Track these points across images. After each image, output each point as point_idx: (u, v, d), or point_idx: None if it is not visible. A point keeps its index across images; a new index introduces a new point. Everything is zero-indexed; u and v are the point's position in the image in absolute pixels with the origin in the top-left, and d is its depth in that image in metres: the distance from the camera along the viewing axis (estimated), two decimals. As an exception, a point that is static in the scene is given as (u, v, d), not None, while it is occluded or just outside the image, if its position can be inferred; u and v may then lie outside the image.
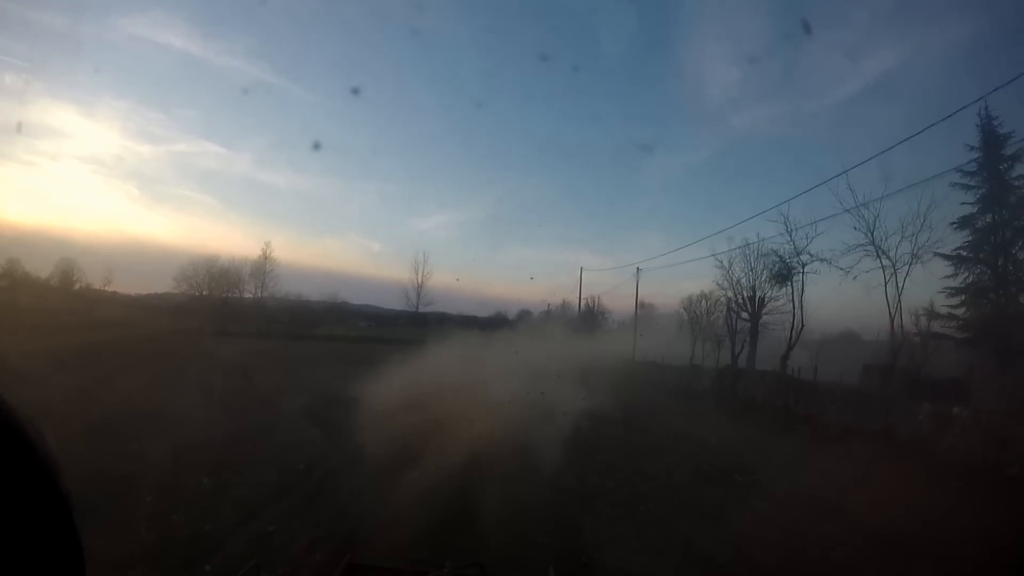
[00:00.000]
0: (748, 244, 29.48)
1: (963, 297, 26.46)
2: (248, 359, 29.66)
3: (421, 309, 61.13)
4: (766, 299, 29.16)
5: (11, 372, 15.41)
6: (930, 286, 27.52)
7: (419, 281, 60.98)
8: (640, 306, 45.31)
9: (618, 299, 62.85)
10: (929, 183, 26.66)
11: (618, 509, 8.92)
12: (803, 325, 25.65)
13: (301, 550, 6.48)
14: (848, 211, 23.78)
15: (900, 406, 16.97)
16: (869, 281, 23.75)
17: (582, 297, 51.75)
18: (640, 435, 15.70)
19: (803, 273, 26.17)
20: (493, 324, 46.55)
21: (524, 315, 55.83)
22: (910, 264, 22.83)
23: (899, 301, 22.88)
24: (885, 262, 23.06)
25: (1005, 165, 25.20)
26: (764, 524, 8.38)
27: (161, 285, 66.22)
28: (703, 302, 36.81)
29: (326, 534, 6.95)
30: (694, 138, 73.45)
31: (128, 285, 63.81)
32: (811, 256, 25.73)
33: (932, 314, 26.00)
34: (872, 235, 23.38)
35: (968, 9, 40.72)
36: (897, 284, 22.93)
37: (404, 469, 9.74)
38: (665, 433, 16.37)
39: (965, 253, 26.45)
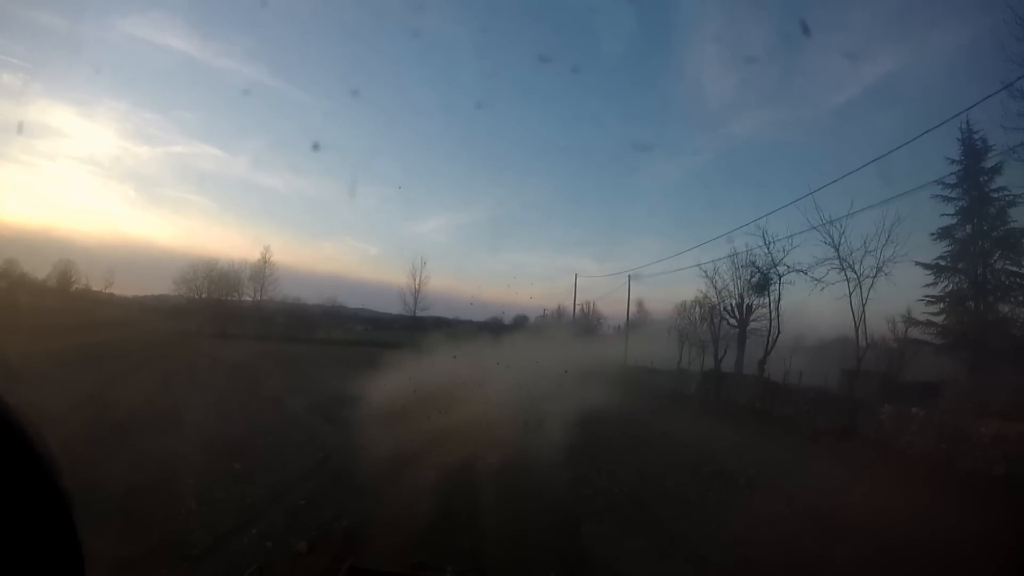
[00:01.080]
0: (736, 253, 30.78)
1: (942, 305, 27.60)
2: (253, 361, 30.54)
3: (418, 313, 61.76)
4: (753, 306, 30.45)
5: (28, 374, 15.84)
6: (900, 295, 28.94)
7: (416, 285, 61.68)
8: (638, 311, 46.43)
9: (614, 304, 64.00)
10: (895, 200, 28.13)
11: (599, 491, 10.07)
12: (779, 332, 27.45)
13: (329, 518, 7.66)
14: (815, 228, 25.35)
15: (867, 407, 18.35)
16: (835, 292, 25.14)
17: (578, 302, 52.82)
18: (625, 433, 16.84)
19: (779, 284, 28.00)
20: (490, 328, 47.37)
21: (520, 320, 56.69)
22: (874, 276, 24.14)
23: (863, 311, 24.23)
24: (850, 275, 24.43)
25: (985, 177, 26.33)
26: (721, 504, 9.69)
27: (159, 286, 66.73)
28: (697, 308, 37.90)
29: (350, 508, 8.11)
30: (694, 141, 74.50)
31: (126, 286, 64.37)
32: (787, 267, 27.60)
33: (910, 321, 27.23)
34: (838, 250, 24.78)
35: (966, 14, 41.89)
36: (862, 295, 24.23)
37: (411, 459, 10.66)
38: (648, 431, 17.74)
39: (944, 263, 27.64)
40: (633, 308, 49.92)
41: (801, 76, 57.96)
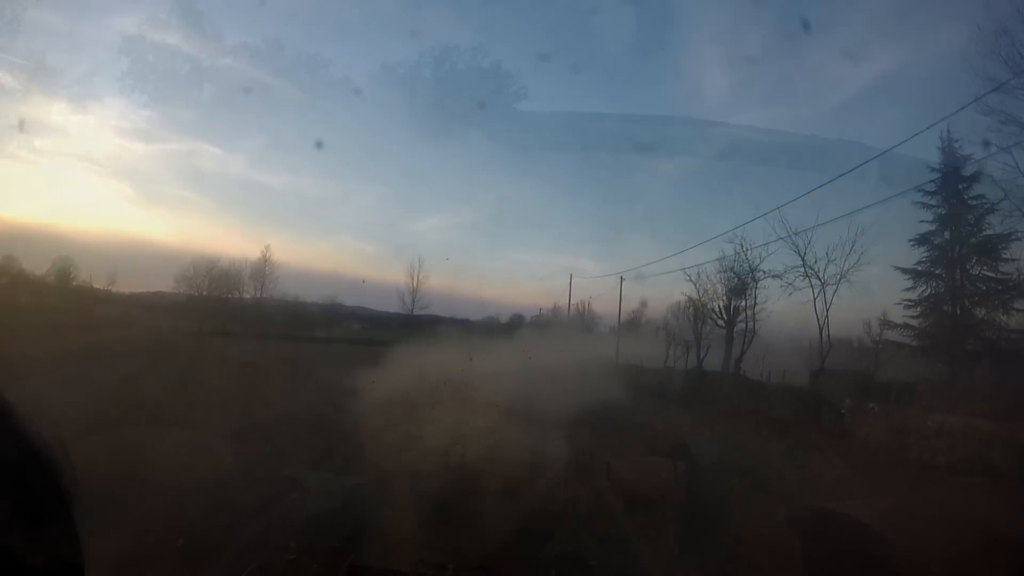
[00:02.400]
0: (724, 256, 32.34)
1: (920, 308, 28.93)
2: (260, 359, 31.49)
3: (416, 312, 62.75)
4: (740, 308, 32.04)
5: (44, 372, 16.63)
6: (881, 299, 30.89)
7: (414, 284, 62.62)
8: (641, 310, 47.96)
9: (611, 303, 65.05)
10: (873, 208, 29.70)
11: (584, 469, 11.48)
12: (755, 333, 29.90)
13: (354, 485, 9.23)
14: (782, 239, 27.11)
15: (830, 403, 20.20)
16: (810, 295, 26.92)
17: (574, 301, 54.17)
18: (611, 422, 18.23)
19: (755, 288, 30.38)
20: (487, 327, 48.64)
21: (516, 319, 57.92)
22: (837, 283, 25.76)
23: (827, 314, 25.75)
24: (815, 281, 26.09)
25: (964, 185, 27.60)
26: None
27: (157, 284, 66.92)
28: (691, 308, 39.26)
29: (372, 480, 9.58)
30: (693, 140, 74.74)
31: (123, 284, 64.55)
32: (763, 273, 29.99)
33: (887, 323, 28.66)
34: (803, 258, 26.39)
35: (965, 15, 43.11)
36: (825, 300, 25.87)
37: (415, 446, 11.84)
38: (632, 419, 19.48)
39: (922, 268, 28.96)
40: (637, 308, 51.35)
41: (801, 75, 59.14)
